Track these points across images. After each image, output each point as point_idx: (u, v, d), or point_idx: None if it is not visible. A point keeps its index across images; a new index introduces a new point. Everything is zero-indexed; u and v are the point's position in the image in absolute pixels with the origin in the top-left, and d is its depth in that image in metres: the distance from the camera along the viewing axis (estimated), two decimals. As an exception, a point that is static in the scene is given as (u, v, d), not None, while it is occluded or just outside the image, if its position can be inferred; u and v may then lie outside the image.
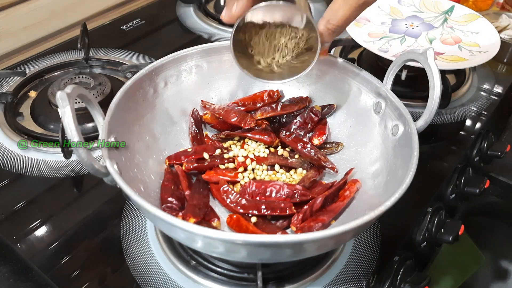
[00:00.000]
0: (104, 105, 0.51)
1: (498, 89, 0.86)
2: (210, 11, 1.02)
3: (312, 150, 0.59)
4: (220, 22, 0.99)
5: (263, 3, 0.48)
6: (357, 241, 0.57)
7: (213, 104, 0.64)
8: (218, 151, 0.60)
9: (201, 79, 0.64)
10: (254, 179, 0.57)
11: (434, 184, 0.68)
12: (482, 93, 0.85)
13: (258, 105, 0.65)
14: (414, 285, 0.54)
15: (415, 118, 0.52)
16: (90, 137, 0.68)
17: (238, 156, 0.59)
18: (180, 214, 0.51)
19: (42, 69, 0.82)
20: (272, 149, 0.61)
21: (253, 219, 0.53)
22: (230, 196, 0.54)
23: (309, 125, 0.63)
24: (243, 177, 0.57)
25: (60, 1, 0.92)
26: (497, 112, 0.82)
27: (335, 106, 0.64)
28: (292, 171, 0.59)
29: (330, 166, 0.58)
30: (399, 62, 0.56)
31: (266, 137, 0.60)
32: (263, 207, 0.52)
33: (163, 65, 0.59)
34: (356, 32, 0.83)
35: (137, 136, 0.55)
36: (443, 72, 0.75)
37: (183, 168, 0.57)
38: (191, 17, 1.01)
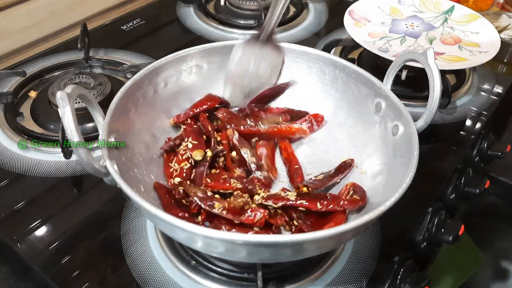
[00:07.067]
0: (104, 105, 0.51)
1: (498, 89, 0.86)
2: (210, 11, 1.02)
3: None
4: (220, 22, 0.99)
5: None
6: (357, 241, 0.57)
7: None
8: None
9: (201, 79, 0.64)
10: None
11: (434, 184, 0.68)
12: (482, 93, 0.85)
13: None
14: (414, 285, 0.54)
15: (415, 118, 0.52)
16: (90, 137, 0.68)
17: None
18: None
19: (42, 69, 0.82)
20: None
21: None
22: None
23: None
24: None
25: (60, 1, 0.92)
26: (497, 112, 0.82)
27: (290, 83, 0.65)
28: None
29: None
30: (399, 62, 0.56)
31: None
32: None
33: (163, 65, 0.59)
34: (356, 32, 0.83)
35: (137, 136, 0.55)
36: (443, 72, 0.75)
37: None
38: (191, 17, 1.01)
